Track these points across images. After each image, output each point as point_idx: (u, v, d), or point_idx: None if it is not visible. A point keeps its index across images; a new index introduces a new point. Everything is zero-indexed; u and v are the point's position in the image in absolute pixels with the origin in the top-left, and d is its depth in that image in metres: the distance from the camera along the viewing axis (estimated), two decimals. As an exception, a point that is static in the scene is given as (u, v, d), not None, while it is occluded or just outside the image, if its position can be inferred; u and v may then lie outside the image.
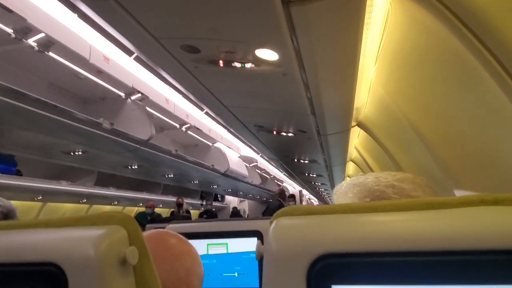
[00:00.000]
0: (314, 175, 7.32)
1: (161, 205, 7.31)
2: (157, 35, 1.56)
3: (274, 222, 0.45)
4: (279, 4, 1.29)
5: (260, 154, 7.23)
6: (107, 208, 6.29)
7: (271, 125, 3.39)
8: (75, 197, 5.37)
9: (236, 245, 1.30)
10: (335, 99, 2.33)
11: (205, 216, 6.29)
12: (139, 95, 3.68)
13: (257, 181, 8.47)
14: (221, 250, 1.29)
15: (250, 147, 6.44)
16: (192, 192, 8.60)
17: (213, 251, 1.28)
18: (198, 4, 1.36)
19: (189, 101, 4.18)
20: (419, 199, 0.51)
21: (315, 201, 15.81)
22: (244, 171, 7.06)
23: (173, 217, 5.49)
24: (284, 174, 9.93)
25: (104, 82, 3.36)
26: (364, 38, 1.56)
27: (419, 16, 1.36)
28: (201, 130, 4.86)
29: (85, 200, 5.55)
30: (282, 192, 4.79)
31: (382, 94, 2.27)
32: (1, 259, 0.50)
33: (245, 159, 7.41)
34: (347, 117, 2.82)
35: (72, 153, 3.98)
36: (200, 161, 5.47)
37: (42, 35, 2.42)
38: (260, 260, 0.43)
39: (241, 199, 11.60)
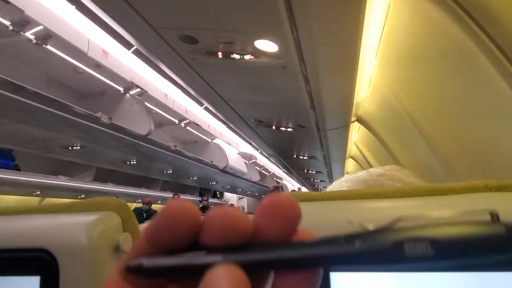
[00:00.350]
0: (313, 172, 7.33)
1: (159, 202, 7.32)
2: (155, 25, 1.55)
3: (273, 208, 0.44)
4: (279, -7, 1.28)
5: (259, 151, 7.23)
6: (106, 204, 6.27)
7: (270, 119, 3.38)
8: (74, 193, 5.38)
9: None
10: (335, 93, 2.32)
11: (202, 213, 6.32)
12: (138, 90, 3.68)
13: (256, 178, 8.49)
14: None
15: (249, 143, 6.45)
16: (191, 188, 8.62)
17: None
18: (197, -7, 1.35)
19: (188, 96, 4.17)
20: (421, 186, 0.50)
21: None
22: (243, 168, 7.06)
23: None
24: (283, 171, 9.95)
25: (103, 76, 3.35)
26: (365, 30, 1.55)
27: (421, 7, 1.34)
28: (200, 126, 4.85)
29: (83, 196, 5.55)
30: (276, 189, 4.96)
31: (382, 88, 2.26)
32: (-9, 245, 0.49)
33: (244, 155, 7.41)
34: (347, 112, 2.81)
35: (70, 148, 3.98)
36: (199, 157, 5.48)
37: (40, 27, 2.40)
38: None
39: (240, 196, 11.62)
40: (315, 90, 2.29)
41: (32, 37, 2.46)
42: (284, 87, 2.37)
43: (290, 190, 9.21)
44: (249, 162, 7.85)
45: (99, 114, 3.23)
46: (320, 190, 12.93)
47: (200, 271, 0.18)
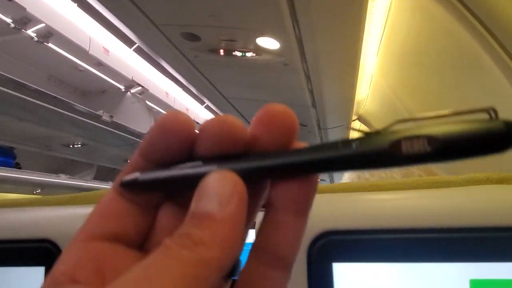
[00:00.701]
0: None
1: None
2: (157, 22, 1.55)
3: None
4: (281, -10, 1.28)
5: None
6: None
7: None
8: (74, 191, 5.38)
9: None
10: (336, 91, 2.32)
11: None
12: (139, 88, 3.68)
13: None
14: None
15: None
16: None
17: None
18: (198, -10, 1.35)
19: (189, 94, 4.17)
20: (423, 178, 0.51)
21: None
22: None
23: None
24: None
25: (104, 74, 3.36)
26: (367, 27, 1.55)
27: (423, 4, 1.34)
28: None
29: (84, 194, 5.56)
30: None
31: (383, 87, 2.26)
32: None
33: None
34: (348, 110, 2.81)
35: (71, 146, 3.99)
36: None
37: (41, 25, 2.41)
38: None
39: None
40: (316, 88, 2.29)
41: (33, 34, 2.46)
42: (286, 85, 2.37)
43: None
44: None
45: (100, 112, 3.23)
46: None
47: (195, 182, 0.18)
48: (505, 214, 0.41)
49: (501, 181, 0.47)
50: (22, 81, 2.51)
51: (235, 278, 0.20)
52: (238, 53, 1.82)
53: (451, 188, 0.49)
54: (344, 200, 0.49)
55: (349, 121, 3.23)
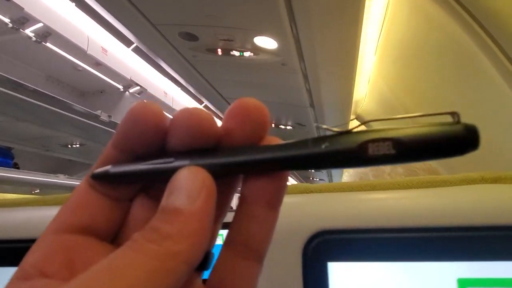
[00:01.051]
0: (312, 170, 7.33)
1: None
2: (154, 21, 1.55)
3: (271, 200, 0.44)
4: (279, -11, 1.28)
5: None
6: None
7: (269, 117, 3.38)
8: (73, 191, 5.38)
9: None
10: (334, 90, 2.32)
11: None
12: (138, 88, 3.67)
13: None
14: (217, 241, 1.29)
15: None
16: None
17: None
18: (196, -10, 1.35)
19: (188, 94, 4.18)
20: (418, 177, 0.51)
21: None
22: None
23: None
24: (282, 170, 9.96)
25: (102, 74, 3.35)
26: (364, 26, 1.55)
27: (420, 3, 1.34)
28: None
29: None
30: None
31: (381, 86, 2.26)
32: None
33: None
34: (346, 110, 2.82)
35: (69, 146, 3.98)
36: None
37: (40, 25, 2.40)
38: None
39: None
40: (314, 88, 2.29)
41: (31, 34, 2.46)
42: (284, 85, 2.37)
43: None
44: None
45: (98, 112, 3.22)
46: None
47: (167, 176, 0.18)
48: (499, 213, 0.41)
49: (495, 180, 0.47)
50: (20, 81, 2.51)
51: (208, 270, 0.21)
52: (236, 53, 1.82)
53: (446, 187, 0.49)
54: (339, 199, 0.50)
55: (347, 120, 3.23)
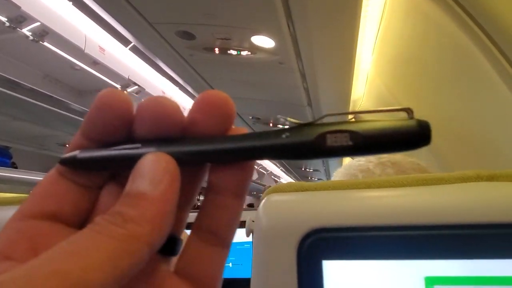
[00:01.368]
0: (311, 170, 7.36)
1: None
2: (151, 20, 1.55)
3: (265, 198, 0.44)
4: (276, -12, 1.28)
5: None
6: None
7: (267, 117, 3.39)
8: (71, 190, 5.38)
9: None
10: (332, 90, 2.32)
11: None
12: (136, 87, 3.66)
13: (253, 176, 8.50)
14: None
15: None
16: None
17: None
18: (193, -12, 1.35)
19: (186, 93, 4.17)
20: (413, 175, 0.51)
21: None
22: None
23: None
24: (281, 169, 9.97)
25: (100, 73, 3.35)
26: (362, 25, 1.55)
27: (417, 3, 1.34)
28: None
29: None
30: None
31: (379, 85, 2.26)
32: None
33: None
34: (344, 109, 2.82)
35: (67, 145, 3.97)
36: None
37: (37, 24, 2.40)
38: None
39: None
40: (312, 87, 2.29)
41: (29, 33, 2.45)
42: (281, 84, 2.38)
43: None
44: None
45: (96, 111, 3.22)
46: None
47: (134, 163, 0.19)
48: (494, 210, 0.41)
49: (491, 178, 0.47)
50: (17, 80, 2.50)
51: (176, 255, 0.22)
52: (233, 52, 1.82)
53: (441, 185, 0.49)
54: (334, 197, 0.49)
55: (345, 120, 3.23)
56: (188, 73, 2.22)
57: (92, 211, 0.21)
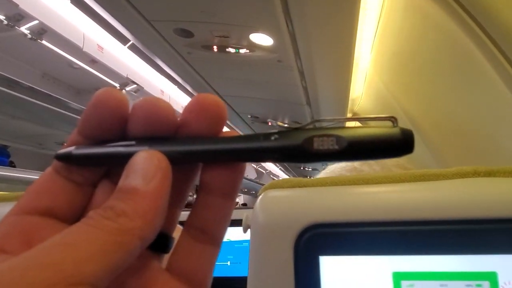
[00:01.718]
0: (309, 169, 7.36)
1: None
2: (149, 17, 1.54)
3: (262, 194, 0.44)
4: (274, -15, 1.28)
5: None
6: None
7: (266, 115, 3.39)
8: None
9: (229, 234, 1.30)
10: (330, 88, 2.32)
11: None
12: (134, 86, 3.66)
13: (252, 175, 8.52)
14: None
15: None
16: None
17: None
18: (191, -15, 1.34)
19: (184, 92, 4.17)
20: (411, 171, 0.50)
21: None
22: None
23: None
24: (280, 169, 9.98)
25: (98, 72, 3.34)
26: (360, 24, 1.55)
27: (416, 1, 1.34)
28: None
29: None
30: None
31: (378, 84, 2.26)
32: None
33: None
34: (342, 108, 2.82)
35: (65, 144, 3.97)
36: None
37: (35, 22, 2.39)
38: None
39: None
40: (310, 86, 2.29)
41: (27, 32, 2.44)
42: (280, 83, 2.37)
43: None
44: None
45: (94, 110, 3.21)
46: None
47: (127, 161, 0.19)
48: (492, 205, 0.41)
49: (488, 173, 0.47)
50: (15, 79, 2.50)
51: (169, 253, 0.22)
52: (232, 50, 1.82)
53: (439, 181, 0.49)
54: (331, 193, 0.49)
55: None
56: (187, 71, 2.22)
57: (86, 208, 0.22)
